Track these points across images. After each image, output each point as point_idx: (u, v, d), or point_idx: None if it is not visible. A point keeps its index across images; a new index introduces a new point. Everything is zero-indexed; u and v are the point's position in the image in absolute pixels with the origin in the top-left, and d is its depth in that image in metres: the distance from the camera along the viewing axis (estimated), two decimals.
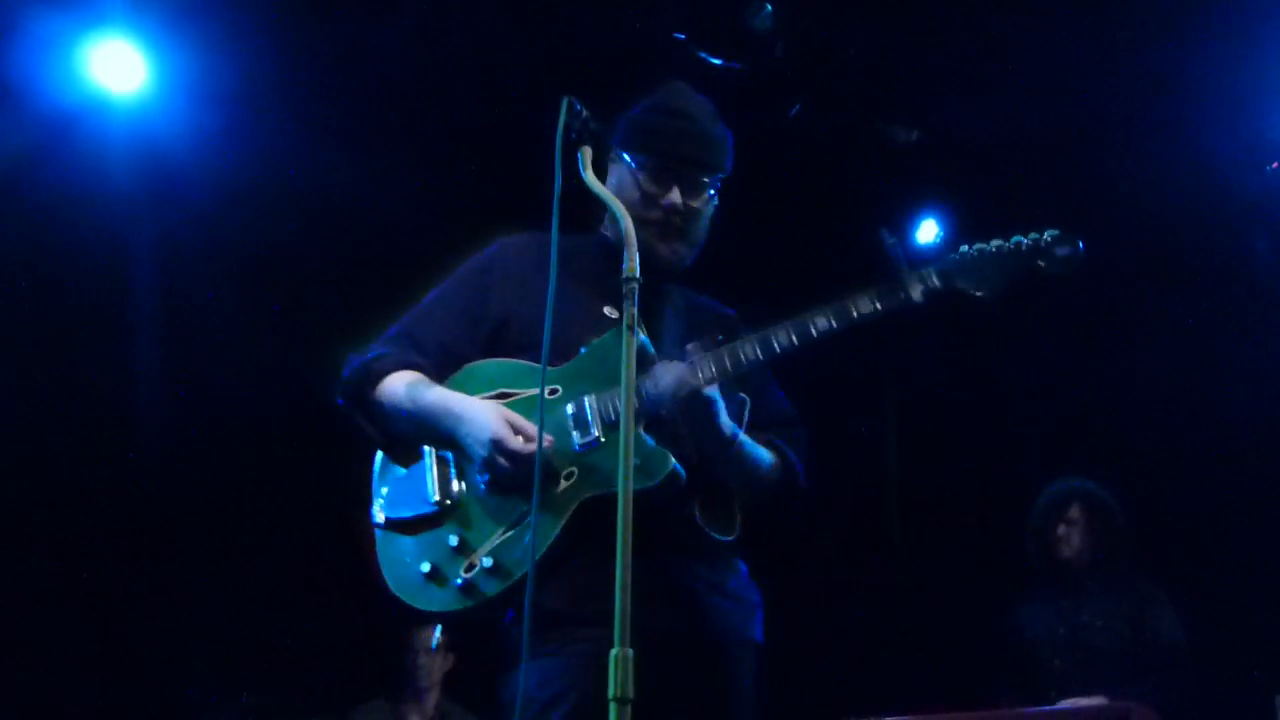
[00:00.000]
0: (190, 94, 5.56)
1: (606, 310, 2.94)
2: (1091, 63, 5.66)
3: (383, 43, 5.51)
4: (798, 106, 6.04)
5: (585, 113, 2.75)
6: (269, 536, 6.08)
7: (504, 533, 2.79)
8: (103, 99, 5.46)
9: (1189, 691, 5.00)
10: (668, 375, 2.77)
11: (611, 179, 3.01)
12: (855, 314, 2.79)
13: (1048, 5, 5.53)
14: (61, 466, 5.76)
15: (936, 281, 2.78)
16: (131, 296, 5.95)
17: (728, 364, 2.79)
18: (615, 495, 2.44)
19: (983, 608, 5.78)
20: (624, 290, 2.36)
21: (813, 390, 3.45)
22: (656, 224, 2.93)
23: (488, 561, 2.77)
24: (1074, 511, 5.46)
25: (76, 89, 5.41)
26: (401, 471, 2.96)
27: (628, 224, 2.45)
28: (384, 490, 2.97)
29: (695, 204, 2.97)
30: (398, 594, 2.87)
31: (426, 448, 2.91)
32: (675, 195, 2.94)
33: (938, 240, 6.71)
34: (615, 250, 2.59)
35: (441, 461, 2.90)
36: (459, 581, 2.79)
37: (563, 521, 2.77)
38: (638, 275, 2.36)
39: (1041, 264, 2.77)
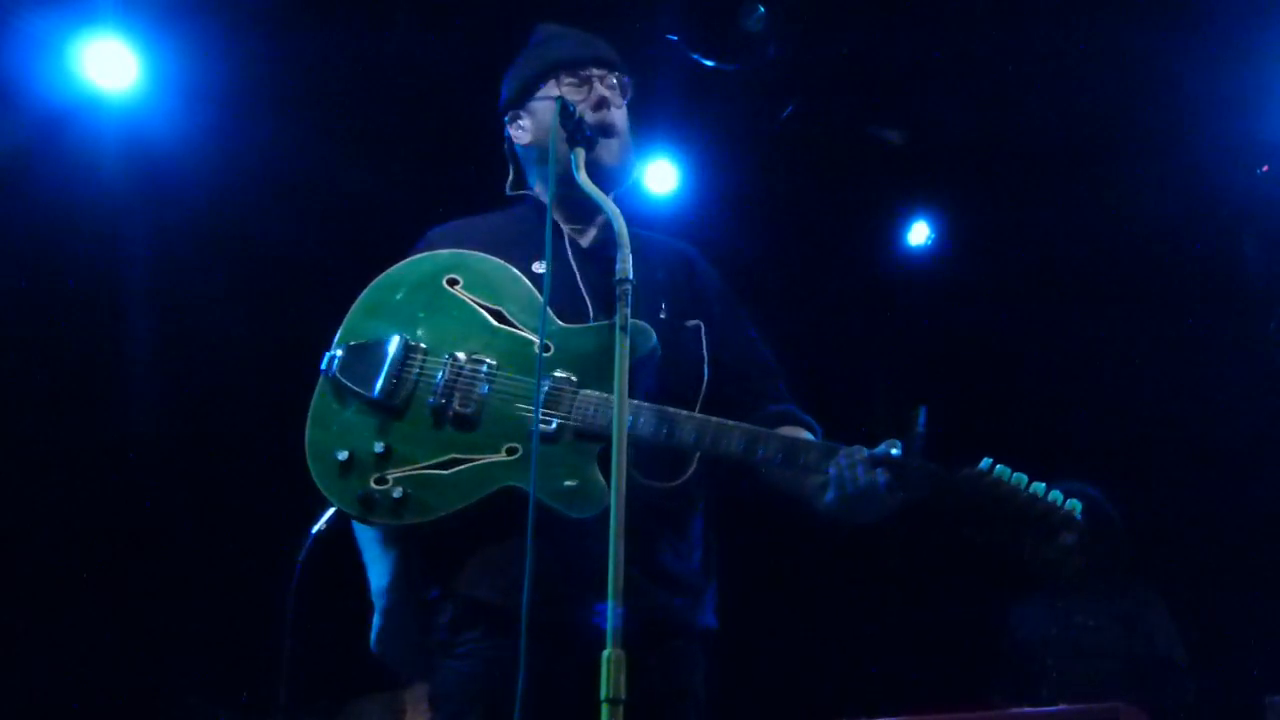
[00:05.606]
0: (182, 92, 5.55)
1: (536, 266, 2.83)
2: (1083, 65, 5.67)
3: (374, 40, 5.50)
4: (790, 108, 6.05)
5: (579, 115, 2.76)
6: (268, 529, 6.06)
7: (426, 467, 2.65)
8: (95, 97, 5.44)
9: (1184, 696, 5.01)
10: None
11: (528, 134, 2.97)
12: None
13: (1039, 8, 5.54)
14: (55, 464, 5.75)
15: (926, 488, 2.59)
16: (124, 294, 5.93)
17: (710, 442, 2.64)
18: (538, 502, 2.46)
19: (977, 607, 5.78)
20: (617, 292, 2.34)
21: (809, 390, 3.44)
22: (596, 127, 2.82)
23: (397, 492, 2.63)
24: None
25: (68, 87, 5.39)
26: (372, 335, 2.79)
27: (620, 225, 2.44)
28: (350, 343, 2.80)
29: (617, 98, 2.93)
30: (309, 451, 2.72)
31: (398, 333, 2.76)
32: (600, 89, 2.90)
33: (929, 241, 6.72)
34: (543, 205, 2.71)
35: (409, 354, 2.74)
36: (360, 492, 2.64)
37: (479, 495, 2.64)
38: (630, 277, 2.36)
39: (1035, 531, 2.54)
